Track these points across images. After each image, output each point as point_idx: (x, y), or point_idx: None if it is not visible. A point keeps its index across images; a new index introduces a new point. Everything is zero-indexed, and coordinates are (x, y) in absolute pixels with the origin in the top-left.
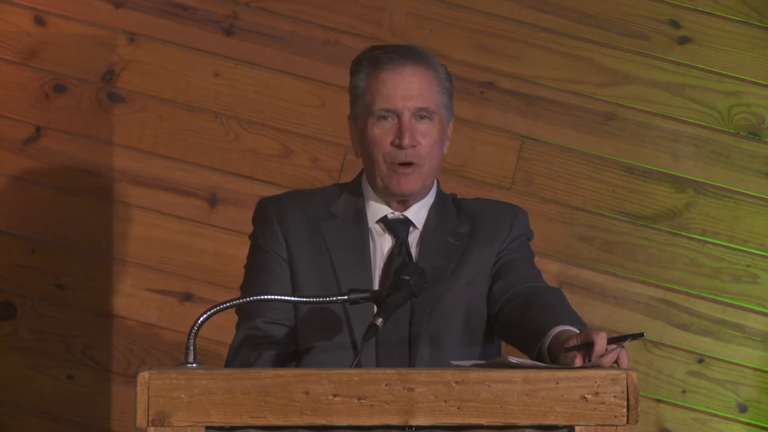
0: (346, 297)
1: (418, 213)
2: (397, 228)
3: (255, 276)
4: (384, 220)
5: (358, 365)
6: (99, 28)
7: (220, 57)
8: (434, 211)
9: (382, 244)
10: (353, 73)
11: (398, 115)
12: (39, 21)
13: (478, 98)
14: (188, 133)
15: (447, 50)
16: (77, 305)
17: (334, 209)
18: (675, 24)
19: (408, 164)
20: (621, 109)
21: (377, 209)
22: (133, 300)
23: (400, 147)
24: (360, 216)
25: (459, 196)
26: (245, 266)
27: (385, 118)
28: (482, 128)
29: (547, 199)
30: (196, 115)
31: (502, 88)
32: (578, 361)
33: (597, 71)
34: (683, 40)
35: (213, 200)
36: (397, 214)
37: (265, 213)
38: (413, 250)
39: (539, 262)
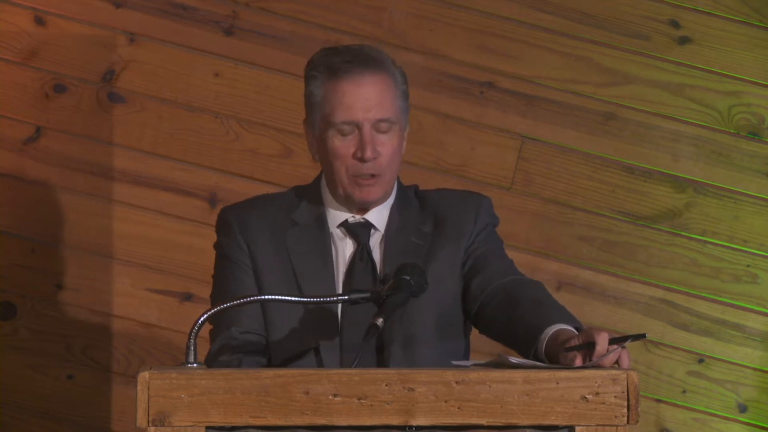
0: (346, 297)
1: (379, 215)
2: (358, 232)
3: (224, 286)
4: (345, 225)
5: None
6: (99, 28)
7: (220, 57)
8: (396, 210)
9: (344, 248)
10: (308, 79)
11: (359, 127)
12: (39, 21)
13: (478, 98)
14: (188, 133)
15: (447, 50)
16: (77, 305)
17: (295, 216)
18: (675, 24)
19: (370, 176)
20: (621, 109)
21: (338, 214)
22: (133, 300)
23: (362, 160)
24: (321, 221)
25: (421, 188)
26: (213, 276)
27: (344, 130)
28: (482, 128)
29: (547, 199)
30: (196, 115)
31: (502, 88)
32: (578, 361)
33: (597, 71)
34: (683, 40)
35: (213, 200)
36: (358, 217)
37: (227, 222)
38: (376, 253)
39: (539, 262)
